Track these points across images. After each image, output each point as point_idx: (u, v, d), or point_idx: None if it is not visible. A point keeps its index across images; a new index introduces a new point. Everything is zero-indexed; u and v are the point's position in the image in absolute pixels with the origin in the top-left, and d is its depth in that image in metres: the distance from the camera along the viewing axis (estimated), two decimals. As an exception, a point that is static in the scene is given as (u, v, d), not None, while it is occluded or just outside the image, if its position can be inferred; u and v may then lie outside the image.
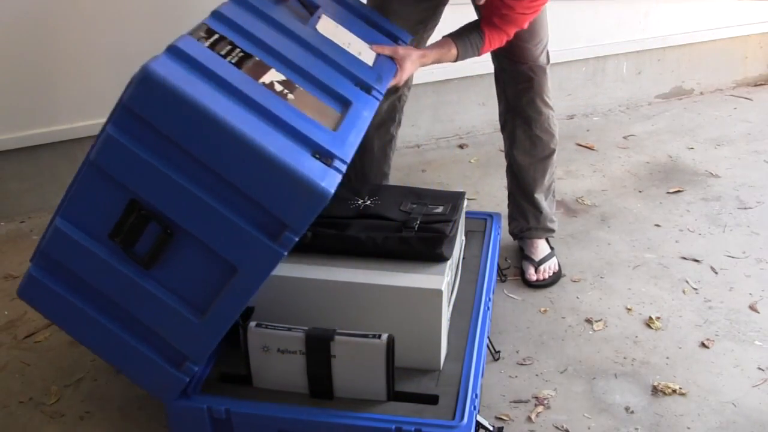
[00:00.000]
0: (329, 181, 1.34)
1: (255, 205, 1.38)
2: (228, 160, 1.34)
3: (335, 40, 1.60)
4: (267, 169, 1.33)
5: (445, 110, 3.21)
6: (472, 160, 3.07)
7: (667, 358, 2.04)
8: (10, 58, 2.49)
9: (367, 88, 1.56)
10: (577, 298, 2.27)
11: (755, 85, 3.71)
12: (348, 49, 1.62)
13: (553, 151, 2.30)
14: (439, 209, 1.86)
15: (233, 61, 1.39)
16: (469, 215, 2.16)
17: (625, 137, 3.23)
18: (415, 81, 3.08)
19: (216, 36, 1.42)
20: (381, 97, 1.60)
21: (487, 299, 1.92)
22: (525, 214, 2.35)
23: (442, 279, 1.67)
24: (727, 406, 1.88)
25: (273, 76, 1.41)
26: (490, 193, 2.43)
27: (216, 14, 1.50)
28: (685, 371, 1.99)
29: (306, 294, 1.70)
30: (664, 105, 3.53)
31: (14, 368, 2.04)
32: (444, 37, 2.01)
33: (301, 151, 1.35)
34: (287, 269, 1.72)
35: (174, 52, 1.36)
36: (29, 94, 2.56)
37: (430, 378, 1.68)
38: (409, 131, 3.22)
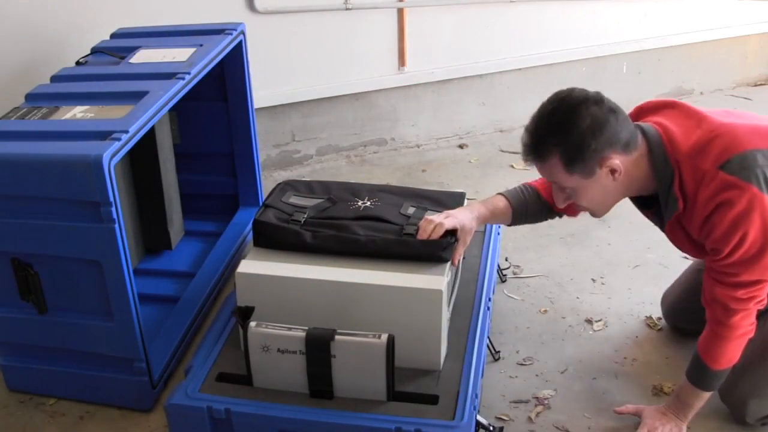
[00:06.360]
0: (100, 149, 1.63)
1: (65, 202, 1.66)
2: (21, 182, 1.66)
3: (149, 61, 2.10)
4: (47, 170, 1.63)
5: (445, 110, 3.21)
6: (472, 160, 3.07)
7: (667, 358, 2.04)
8: None
9: (169, 75, 1.96)
10: (577, 298, 2.27)
11: (755, 85, 3.71)
12: (161, 60, 2.09)
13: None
14: (440, 211, 1.86)
15: (34, 118, 1.83)
16: (469, 215, 2.16)
17: (625, 137, 3.22)
18: (415, 81, 3.11)
19: (24, 110, 1.88)
20: (188, 77, 1.96)
21: (487, 299, 1.92)
22: None
23: (442, 279, 1.67)
24: (727, 406, 1.88)
25: (76, 110, 1.85)
26: (490, 193, 2.41)
27: (28, 96, 1.95)
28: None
29: (306, 294, 1.70)
30: (664, 105, 3.53)
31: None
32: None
33: (80, 144, 1.67)
34: (287, 269, 1.72)
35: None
36: None
37: (430, 378, 1.68)
38: (409, 131, 3.22)
